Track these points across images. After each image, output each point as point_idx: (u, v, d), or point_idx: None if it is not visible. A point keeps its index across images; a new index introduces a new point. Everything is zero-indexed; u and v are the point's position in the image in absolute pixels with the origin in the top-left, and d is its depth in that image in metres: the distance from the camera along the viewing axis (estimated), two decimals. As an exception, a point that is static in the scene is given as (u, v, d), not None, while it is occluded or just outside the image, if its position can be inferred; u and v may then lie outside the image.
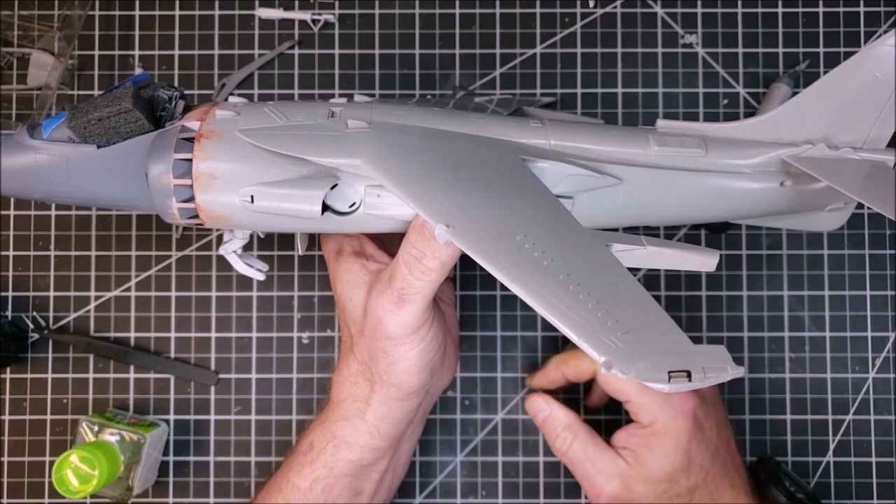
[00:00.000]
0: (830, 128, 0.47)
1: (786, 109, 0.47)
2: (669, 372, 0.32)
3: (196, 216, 0.41)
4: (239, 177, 0.39)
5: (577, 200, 0.44)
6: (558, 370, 0.52)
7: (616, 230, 0.44)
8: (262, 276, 0.47)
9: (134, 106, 0.39)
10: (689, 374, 0.32)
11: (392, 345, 0.42)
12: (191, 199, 0.40)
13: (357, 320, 0.45)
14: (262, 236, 0.48)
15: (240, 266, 0.46)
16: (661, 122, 0.48)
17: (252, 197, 0.39)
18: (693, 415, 0.46)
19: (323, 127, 0.41)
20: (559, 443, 0.50)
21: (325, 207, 0.40)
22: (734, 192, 0.46)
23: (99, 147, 0.41)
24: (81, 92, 0.59)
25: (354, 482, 0.47)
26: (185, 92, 0.45)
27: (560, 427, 0.50)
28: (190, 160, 0.39)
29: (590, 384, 0.56)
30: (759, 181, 0.47)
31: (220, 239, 0.58)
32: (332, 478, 0.47)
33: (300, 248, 0.48)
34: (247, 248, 0.49)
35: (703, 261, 0.41)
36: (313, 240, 0.57)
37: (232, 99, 0.44)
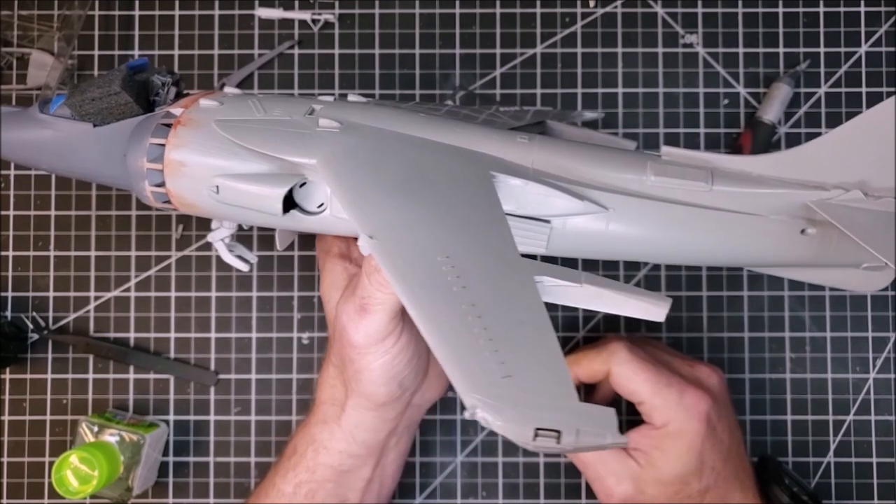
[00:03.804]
0: (868, 172, 0.40)
1: (816, 145, 0.41)
2: (537, 429, 0.29)
3: (169, 201, 0.41)
4: (207, 167, 0.40)
5: (556, 226, 0.41)
6: (571, 372, 0.51)
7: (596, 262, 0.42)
8: (246, 267, 0.47)
9: (122, 88, 0.41)
10: (559, 434, 0.30)
11: (355, 353, 0.42)
12: (163, 183, 0.40)
13: (332, 322, 0.45)
14: (245, 228, 0.48)
15: (225, 255, 0.47)
16: (665, 149, 0.44)
17: (217, 187, 0.39)
18: (707, 417, 0.46)
19: (294, 124, 0.41)
20: None
21: (294, 205, 0.40)
22: (742, 235, 0.42)
23: (95, 126, 0.42)
24: (81, 92, 0.59)
25: (338, 489, 0.47)
26: (181, 81, 0.45)
27: None
28: (164, 145, 0.40)
29: (591, 384, 0.56)
30: (773, 225, 0.41)
31: (219, 239, 0.58)
32: (314, 482, 0.47)
33: (278, 244, 0.48)
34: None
35: (649, 309, 0.38)
36: (309, 241, 0.57)
37: (228, 89, 0.44)
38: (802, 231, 0.42)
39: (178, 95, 0.44)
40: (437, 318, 0.32)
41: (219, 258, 0.57)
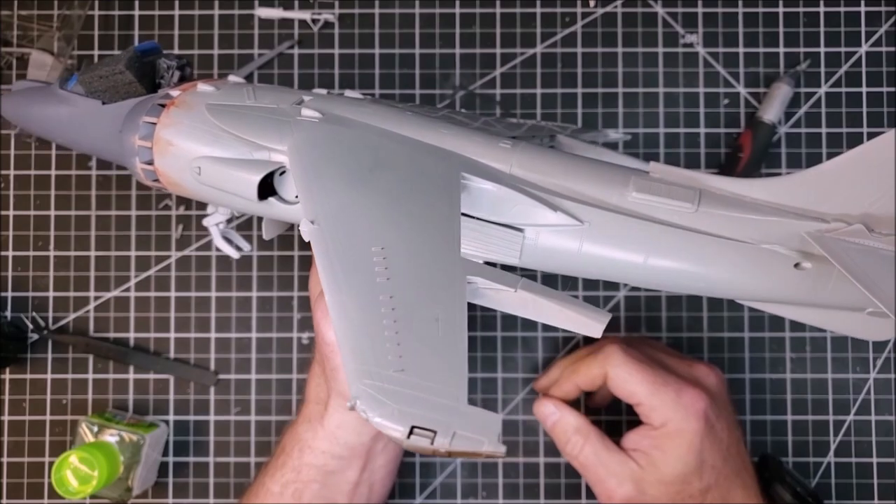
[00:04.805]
0: (874, 205, 0.37)
1: (818, 172, 0.38)
2: (414, 427, 0.29)
3: (159, 179, 0.43)
4: (193, 148, 0.40)
5: (529, 236, 0.39)
6: (571, 382, 0.50)
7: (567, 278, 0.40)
8: (236, 255, 0.48)
9: (127, 68, 0.42)
10: (435, 435, 0.29)
11: (329, 350, 0.42)
12: (152, 161, 0.42)
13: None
14: (237, 215, 0.48)
15: (218, 240, 0.47)
16: (653, 165, 0.41)
17: (199, 168, 0.40)
18: (705, 415, 0.46)
19: (278, 112, 0.41)
20: (570, 447, 0.49)
21: (273, 193, 0.40)
22: (726, 262, 0.38)
23: (104, 103, 0.44)
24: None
25: (323, 490, 0.47)
26: (187, 66, 0.46)
27: (570, 431, 0.49)
28: (155, 124, 0.41)
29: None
30: (763, 255, 0.38)
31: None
32: (300, 483, 0.47)
33: (264, 234, 0.48)
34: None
35: (585, 323, 0.36)
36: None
37: (231, 77, 0.45)
38: (796, 265, 0.38)
39: (183, 80, 0.45)
40: (348, 304, 0.32)
41: (219, 258, 0.57)
